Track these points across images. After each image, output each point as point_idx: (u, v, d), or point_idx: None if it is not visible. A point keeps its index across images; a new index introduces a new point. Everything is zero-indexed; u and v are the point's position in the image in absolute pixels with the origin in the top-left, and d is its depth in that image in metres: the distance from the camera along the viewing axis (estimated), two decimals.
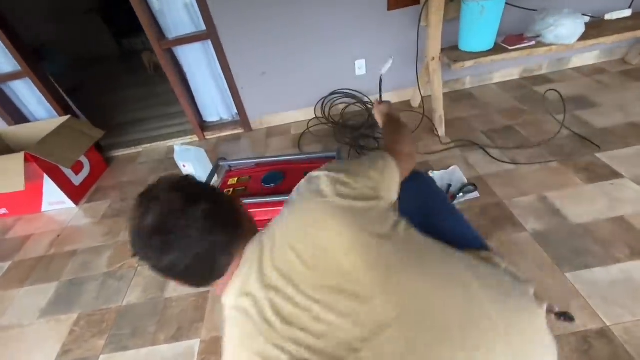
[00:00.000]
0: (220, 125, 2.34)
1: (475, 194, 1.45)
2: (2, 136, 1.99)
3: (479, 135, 1.80)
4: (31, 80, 1.97)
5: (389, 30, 1.97)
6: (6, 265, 1.61)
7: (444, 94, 2.21)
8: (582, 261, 1.12)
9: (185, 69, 2.11)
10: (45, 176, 1.77)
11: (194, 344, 1.13)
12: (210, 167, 1.85)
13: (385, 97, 2.22)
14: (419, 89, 1.92)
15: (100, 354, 1.16)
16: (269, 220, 1.09)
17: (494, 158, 1.62)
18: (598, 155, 1.51)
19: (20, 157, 1.63)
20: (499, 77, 2.25)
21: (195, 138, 2.32)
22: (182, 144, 1.76)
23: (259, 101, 2.19)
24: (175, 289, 1.33)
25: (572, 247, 1.17)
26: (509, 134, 1.76)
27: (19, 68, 1.93)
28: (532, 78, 2.22)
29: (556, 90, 1.81)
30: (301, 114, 2.25)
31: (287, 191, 1.12)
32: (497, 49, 1.65)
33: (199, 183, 0.57)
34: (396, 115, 0.92)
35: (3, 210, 1.91)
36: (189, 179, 0.56)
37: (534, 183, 1.45)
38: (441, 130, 1.83)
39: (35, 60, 2.00)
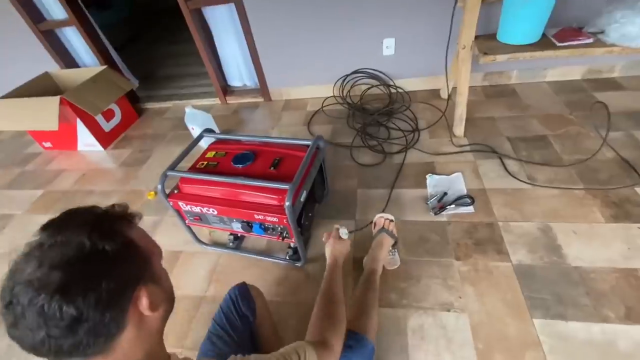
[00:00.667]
0: (243, 91, 2.35)
1: (470, 209, 1.30)
2: (53, 77, 2.23)
3: (502, 142, 1.58)
4: (77, 29, 2.14)
5: (424, 8, 1.75)
6: (40, 192, 1.88)
7: (481, 87, 1.97)
8: (561, 311, 0.98)
9: (213, 31, 2.12)
10: (78, 119, 1.97)
11: None
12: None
13: (414, 84, 2.05)
14: (447, 79, 1.71)
15: None
16: (224, 200, 1.11)
17: (508, 172, 1.42)
18: (638, 189, 1.25)
19: (56, 100, 1.82)
20: (554, 74, 1.91)
21: (217, 101, 2.38)
22: (194, 106, 1.82)
23: (281, 72, 2.14)
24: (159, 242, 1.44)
25: (556, 293, 1.02)
26: (539, 146, 1.52)
27: (67, 16, 2.10)
28: (598, 81, 1.85)
29: (602, 102, 1.49)
30: (320, 90, 2.16)
31: (250, 174, 1.12)
32: (542, 44, 1.39)
33: (97, 256, 0.41)
34: (337, 266, 0.90)
35: (48, 144, 2.19)
36: (97, 242, 0.41)
37: (543, 209, 1.25)
38: (458, 130, 1.64)
39: (82, 10, 2.15)
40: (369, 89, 2.07)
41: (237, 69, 2.28)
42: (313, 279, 1.19)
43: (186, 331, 1.12)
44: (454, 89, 1.71)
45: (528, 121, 1.68)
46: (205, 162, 1.20)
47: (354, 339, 0.83)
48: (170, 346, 1.11)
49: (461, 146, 1.60)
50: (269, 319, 0.99)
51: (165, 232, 1.48)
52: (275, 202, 1.04)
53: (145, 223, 1.54)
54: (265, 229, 1.13)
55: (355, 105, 2.01)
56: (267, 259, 1.27)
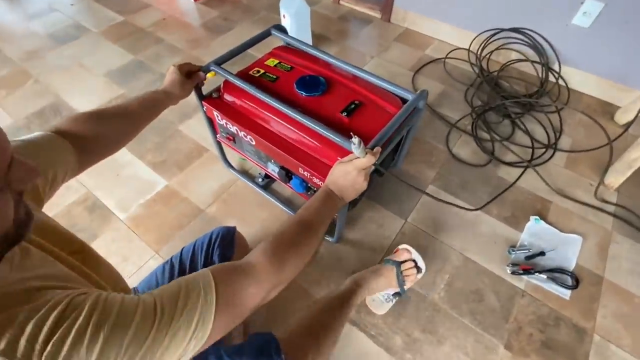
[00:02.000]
0: None
1: (565, 293, 0.90)
2: None
3: None
4: None
5: None
6: (120, 19, 1.78)
7: None
8: None
9: None
10: None
11: (160, 183, 1.12)
12: (308, 32, 1.54)
13: (586, 83, 1.40)
14: None
15: None
16: (268, 132, 0.84)
17: None
18: None
19: None
20: None
21: None
22: None
23: None
24: (190, 127, 1.28)
25: None
26: None
27: None
28: None
29: None
30: (455, 36, 1.61)
31: (312, 110, 0.81)
32: None
33: None
34: (330, 197, 0.58)
35: None
36: None
37: None
38: (613, 178, 1.10)
39: None
40: (518, 61, 1.49)
41: None
42: (327, 263, 0.95)
43: (168, 238, 0.99)
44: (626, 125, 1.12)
45: None
46: (262, 71, 0.90)
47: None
48: (146, 247, 1.02)
49: (604, 201, 1.09)
50: None
51: (201, 121, 1.29)
52: (333, 164, 0.75)
53: (187, 104, 1.38)
54: (306, 188, 0.86)
55: (489, 74, 1.47)
56: (292, 212, 1.04)
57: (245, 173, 1.14)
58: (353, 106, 0.81)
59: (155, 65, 1.53)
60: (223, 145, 1.05)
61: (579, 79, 1.41)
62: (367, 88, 0.86)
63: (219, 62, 0.87)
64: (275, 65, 0.92)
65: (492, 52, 1.52)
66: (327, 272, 0.93)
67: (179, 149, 1.21)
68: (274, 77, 0.89)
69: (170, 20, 1.78)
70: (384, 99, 0.84)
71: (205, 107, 0.91)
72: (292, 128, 0.79)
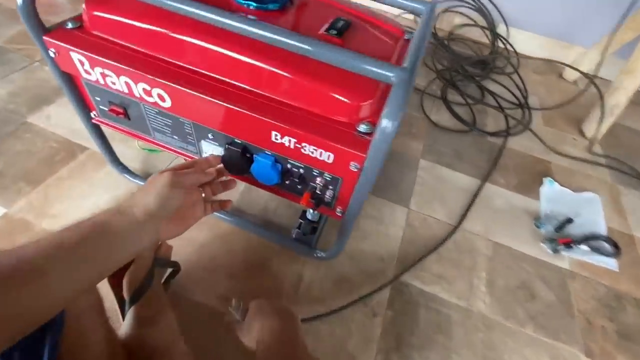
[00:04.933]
0: None
1: (612, 264, 0.72)
2: None
3: None
4: None
5: None
6: None
7: None
8: None
9: None
10: None
11: None
12: None
13: (530, 45, 1.37)
14: (607, 48, 1.04)
15: None
16: (201, 79, 0.39)
17: None
18: None
19: None
20: None
21: None
22: None
23: None
24: (50, 117, 0.78)
25: None
26: None
27: None
28: None
29: None
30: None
31: (284, 24, 0.38)
32: None
33: None
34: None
35: None
36: None
37: None
38: (592, 129, 1.02)
39: None
40: (464, 26, 1.38)
41: None
42: (327, 286, 0.59)
43: None
44: (585, 75, 1.06)
45: None
46: None
47: None
48: None
49: (596, 155, 0.99)
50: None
51: (69, 106, 0.81)
52: (355, 105, 0.41)
53: (44, 84, 0.87)
54: (285, 173, 0.48)
55: (440, 40, 1.32)
56: (247, 228, 0.65)
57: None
58: (341, 24, 0.49)
59: None
60: (106, 129, 0.61)
61: (524, 41, 1.36)
62: (348, 5, 0.57)
63: None
64: None
65: (438, 14, 1.38)
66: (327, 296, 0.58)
67: (30, 151, 0.71)
68: None
69: None
70: (375, 18, 0.56)
71: (53, 51, 0.47)
72: (252, 61, 0.42)
